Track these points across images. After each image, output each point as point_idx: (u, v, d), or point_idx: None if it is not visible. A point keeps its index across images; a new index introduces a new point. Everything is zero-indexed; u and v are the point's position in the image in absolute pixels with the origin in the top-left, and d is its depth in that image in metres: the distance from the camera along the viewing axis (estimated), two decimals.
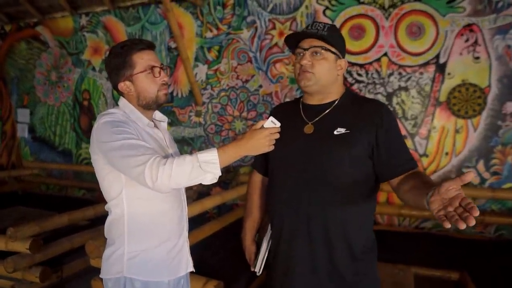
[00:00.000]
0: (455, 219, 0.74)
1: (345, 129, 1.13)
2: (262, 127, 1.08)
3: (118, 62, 1.19)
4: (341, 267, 1.13)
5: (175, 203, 1.27)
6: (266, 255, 1.31)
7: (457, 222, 0.74)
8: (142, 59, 1.20)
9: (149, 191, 1.11)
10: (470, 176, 0.78)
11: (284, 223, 1.19)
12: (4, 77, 5.02)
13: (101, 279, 1.75)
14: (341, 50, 1.20)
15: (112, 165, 1.12)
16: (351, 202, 1.13)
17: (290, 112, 1.27)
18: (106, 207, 1.22)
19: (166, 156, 1.09)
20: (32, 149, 4.88)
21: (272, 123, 1.08)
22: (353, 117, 1.16)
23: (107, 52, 4.27)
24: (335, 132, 1.13)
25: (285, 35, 1.30)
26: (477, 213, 0.73)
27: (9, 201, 3.73)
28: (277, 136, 1.09)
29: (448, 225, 0.76)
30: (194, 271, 1.34)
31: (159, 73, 1.23)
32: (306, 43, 1.17)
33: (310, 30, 1.15)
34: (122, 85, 1.22)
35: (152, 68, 1.21)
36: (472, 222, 0.72)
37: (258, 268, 1.31)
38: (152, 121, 1.31)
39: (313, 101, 1.23)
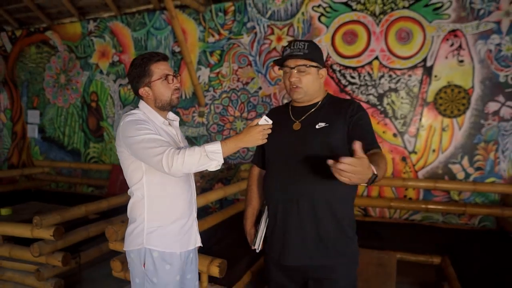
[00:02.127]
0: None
1: (325, 123, 1.37)
2: (257, 124, 1.31)
3: (139, 71, 1.42)
4: (326, 239, 1.36)
5: (186, 188, 1.50)
6: (264, 234, 1.53)
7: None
8: (159, 69, 1.44)
9: (165, 177, 1.36)
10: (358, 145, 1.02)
11: (278, 205, 1.42)
12: (15, 80, 5.25)
13: (118, 262, 1.97)
14: (321, 62, 1.43)
15: (135, 156, 1.35)
16: (333, 184, 1.34)
17: (282, 114, 1.52)
18: (129, 191, 1.46)
19: (179, 148, 1.31)
20: (42, 148, 5.10)
21: (265, 121, 1.32)
22: (332, 113, 1.40)
23: (114, 56, 4.49)
24: (316, 127, 1.38)
25: (274, 59, 1.54)
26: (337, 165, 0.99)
27: (23, 198, 3.95)
28: (269, 131, 1.33)
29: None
30: (202, 245, 1.57)
31: (172, 80, 1.46)
32: (291, 63, 1.40)
33: (294, 50, 1.38)
34: (142, 90, 1.45)
35: (166, 76, 1.45)
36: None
37: (258, 246, 1.53)
38: (167, 120, 1.53)
39: (300, 104, 1.49)
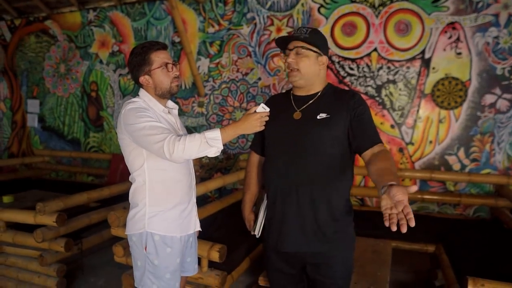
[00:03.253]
0: (392, 222, 0.92)
1: (326, 114, 1.40)
2: (255, 111, 1.34)
3: (139, 60, 1.45)
4: (324, 226, 1.40)
5: (186, 173, 1.55)
6: (263, 221, 1.57)
7: (393, 225, 0.92)
8: (158, 57, 1.47)
9: (165, 163, 1.40)
10: (414, 189, 0.96)
11: (277, 192, 1.46)
12: (15, 69, 5.25)
13: (120, 247, 2.02)
14: (322, 49, 1.44)
15: (137, 143, 1.39)
16: (331, 173, 1.40)
17: (283, 102, 1.54)
18: (130, 177, 1.50)
19: (179, 135, 1.35)
20: (42, 138, 5.13)
21: (263, 109, 1.35)
22: (333, 105, 1.42)
23: (114, 46, 4.50)
24: (318, 117, 1.41)
25: (276, 37, 1.57)
26: (413, 223, 0.91)
27: (23, 186, 3.98)
28: (267, 119, 1.37)
29: (387, 224, 0.93)
30: (201, 230, 1.62)
31: (172, 68, 1.49)
32: (291, 45, 1.44)
33: (296, 34, 1.42)
34: (142, 79, 1.48)
35: (166, 64, 1.47)
36: (405, 229, 0.91)
37: (258, 232, 1.57)
38: (166, 108, 1.56)
39: (300, 92, 1.50)
